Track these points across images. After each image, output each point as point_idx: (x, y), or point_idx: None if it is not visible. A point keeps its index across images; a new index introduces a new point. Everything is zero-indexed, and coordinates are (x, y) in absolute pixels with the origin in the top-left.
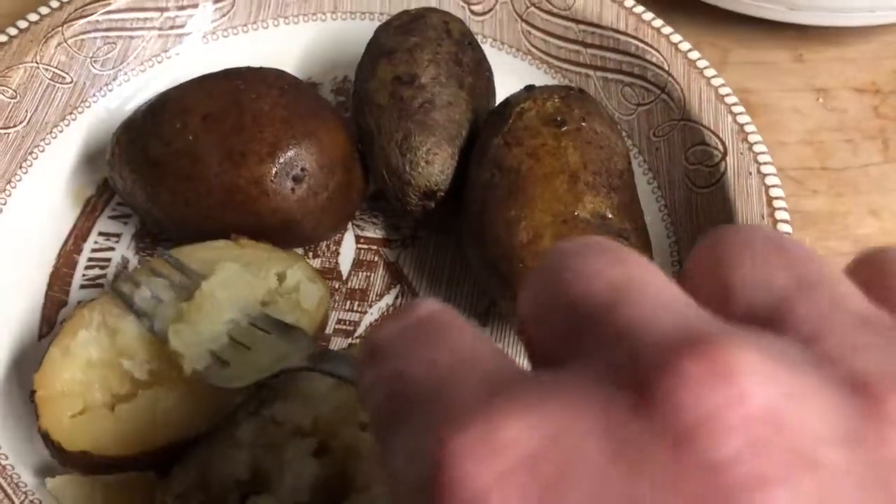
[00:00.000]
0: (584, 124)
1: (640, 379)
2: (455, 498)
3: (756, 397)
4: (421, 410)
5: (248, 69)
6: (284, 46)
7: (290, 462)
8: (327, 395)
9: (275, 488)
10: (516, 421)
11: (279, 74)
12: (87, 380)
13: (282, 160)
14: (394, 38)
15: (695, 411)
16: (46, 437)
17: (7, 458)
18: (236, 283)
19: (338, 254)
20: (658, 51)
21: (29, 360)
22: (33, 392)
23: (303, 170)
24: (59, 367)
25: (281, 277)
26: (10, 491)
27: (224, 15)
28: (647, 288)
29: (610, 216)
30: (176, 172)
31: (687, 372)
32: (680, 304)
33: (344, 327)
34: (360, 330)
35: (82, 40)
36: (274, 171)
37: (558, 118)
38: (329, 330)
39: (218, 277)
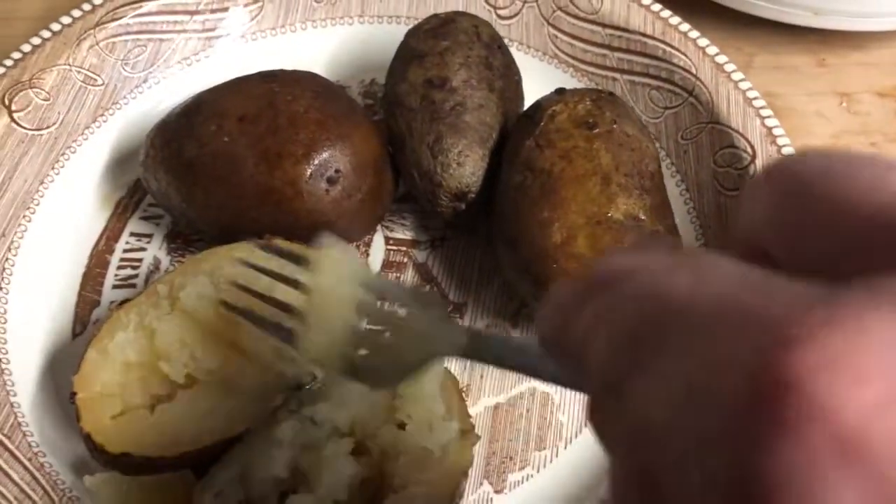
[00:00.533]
0: (615, 127)
1: None
2: (821, 438)
3: None
4: (706, 333)
5: (283, 72)
6: (312, 50)
7: (329, 461)
8: (365, 395)
9: (313, 487)
10: (887, 330)
11: (313, 77)
12: (125, 381)
13: (316, 162)
14: (425, 41)
15: None
16: (88, 439)
17: (45, 455)
18: (345, 263)
19: (367, 255)
20: (685, 54)
21: (63, 358)
22: (73, 394)
23: (337, 171)
24: (98, 369)
25: None
26: (49, 488)
27: (253, 19)
28: None
29: (643, 217)
30: (211, 173)
31: None
32: None
33: (375, 326)
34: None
35: (114, 43)
36: (309, 173)
37: (590, 121)
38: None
39: (328, 265)
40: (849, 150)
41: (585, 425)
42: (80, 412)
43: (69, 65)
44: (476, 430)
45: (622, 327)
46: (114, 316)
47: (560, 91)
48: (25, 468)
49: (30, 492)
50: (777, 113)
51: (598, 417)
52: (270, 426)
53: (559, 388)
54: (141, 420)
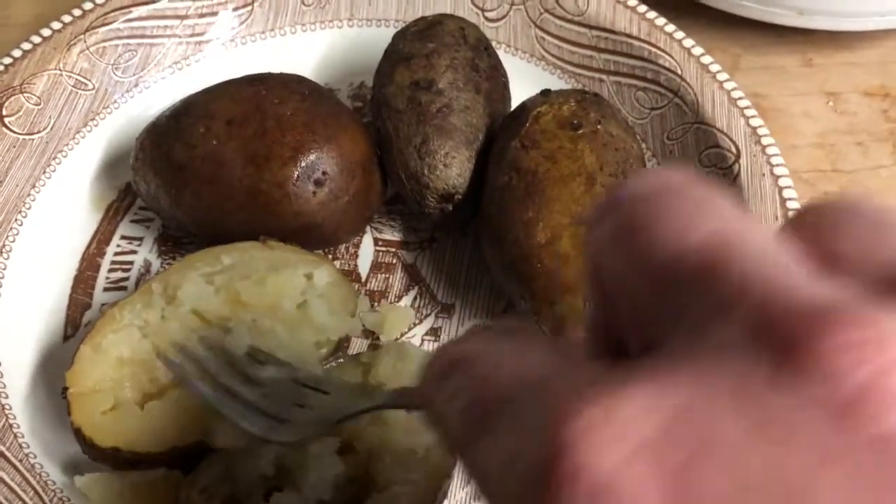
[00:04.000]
0: (599, 127)
1: (781, 347)
2: (578, 488)
3: None
4: (516, 411)
5: (270, 75)
6: (302, 53)
7: (315, 460)
8: (354, 395)
9: (299, 485)
10: (637, 399)
11: (300, 80)
12: (117, 377)
13: (304, 164)
14: (411, 43)
15: (854, 380)
16: (78, 433)
17: (36, 457)
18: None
19: (357, 256)
20: (671, 55)
21: (55, 361)
22: (65, 389)
23: (324, 173)
24: (91, 365)
25: (308, 277)
26: (39, 489)
27: (242, 23)
28: (749, 241)
29: None
30: (200, 176)
31: (840, 339)
32: (792, 264)
33: (363, 328)
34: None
35: (104, 47)
36: (296, 175)
37: (574, 121)
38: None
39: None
40: (686, 175)
41: None
42: (71, 407)
43: (60, 69)
44: None
45: (465, 405)
46: (108, 314)
47: (545, 92)
48: (16, 469)
49: (21, 493)
50: (764, 113)
51: (462, 461)
52: None
53: None
54: (131, 415)
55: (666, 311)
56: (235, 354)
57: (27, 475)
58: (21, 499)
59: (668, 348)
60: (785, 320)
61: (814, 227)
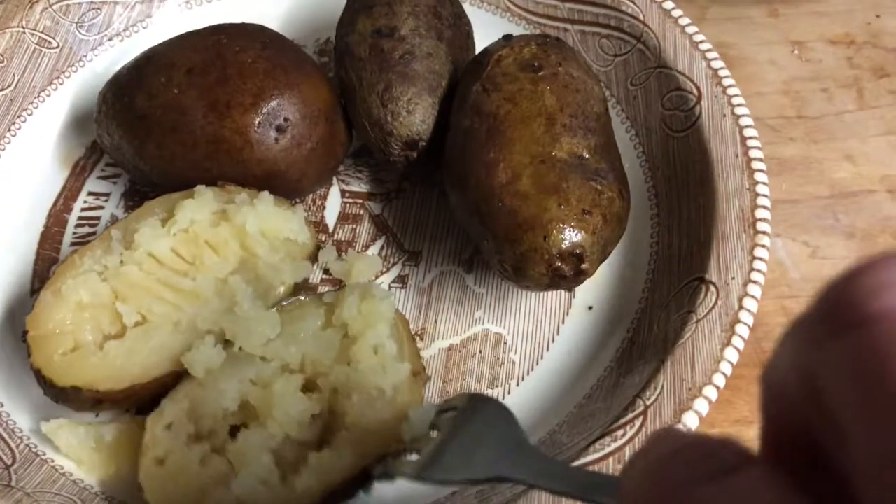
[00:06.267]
0: (560, 69)
1: None
2: None
3: None
4: None
5: (231, 25)
6: (266, 9)
7: (279, 397)
8: (315, 335)
9: (264, 422)
10: None
11: (261, 29)
12: (77, 321)
13: (265, 110)
14: None
15: None
16: (38, 374)
17: (3, 405)
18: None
19: (324, 208)
20: (633, 2)
21: (22, 314)
22: (25, 332)
23: (286, 120)
24: (51, 309)
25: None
26: (6, 436)
27: None
28: None
29: (587, 156)
30: (162, 125)
31: None
32: None
33: (330, 277)
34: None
35: (67, 6)
36: (258, 121)
37: (535, 63)
38: (315, 279)
39: None
40: None
41: (536, 363)
42: (31, 349)
43: (23, 28)
44: (430, 370)
45: None
46: (68, 260)
47: (507, 37)
48: None
49: None
50: (730, 62)
51: None
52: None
53: (512, 329)
54: (91, 356)
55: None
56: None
57: None
58: None
59: None
60: None
61: None
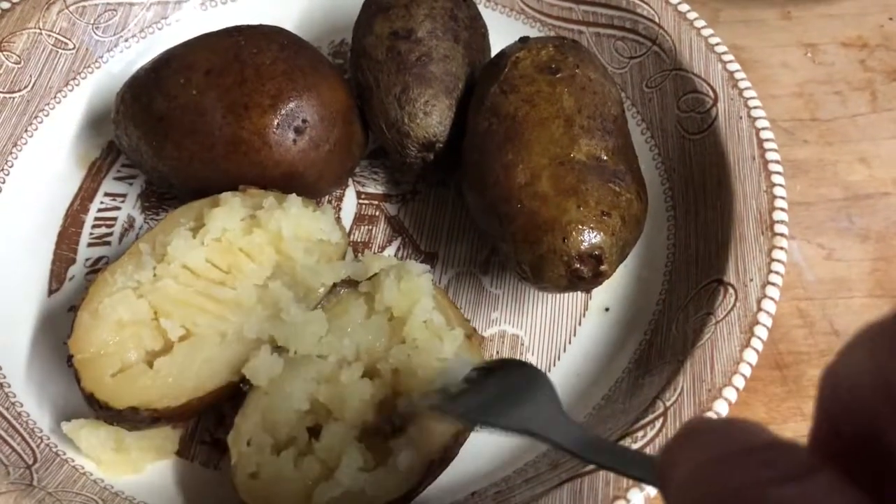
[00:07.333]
0: (577, 71)
1: None
2: None
3: None
4: None
5: (248, 26)
6: (282, 11)
7: (347, 388)
8: (363, 324)
9: (339, 416)
10: None
11: (279, 31)
12: (119, 340)
13: (283, 112)
14: None
15: None
16: (91, 399)
17: (23, 405)
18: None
19: (340, 209)
20: (648, 4)
21: (39, 314)
22: (70, 357)
23: (304, 121)
24: (92, 331)
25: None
26: (26, 435)
27: None
28: None
29: (605, 158)
30: (180, 127)
31: None
32: None
33: (347, 278)
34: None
35: (84, 7)
36: (276, 123)
37: (553, 65)
38: None
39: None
40: None
41: (553, 365)
42: (79, 374)
43: (39, 29)
44: None
45: None
46: (99, 279)
47: (524, 39)
48: (3, 416)
49: (8, 438)
50: (744, 64)
51: None
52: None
53: (529, 330)
54: (141, 375)
55: None
56: None
57: (14, 422)
58: (9, 444)
59: None
60: None
61: None
